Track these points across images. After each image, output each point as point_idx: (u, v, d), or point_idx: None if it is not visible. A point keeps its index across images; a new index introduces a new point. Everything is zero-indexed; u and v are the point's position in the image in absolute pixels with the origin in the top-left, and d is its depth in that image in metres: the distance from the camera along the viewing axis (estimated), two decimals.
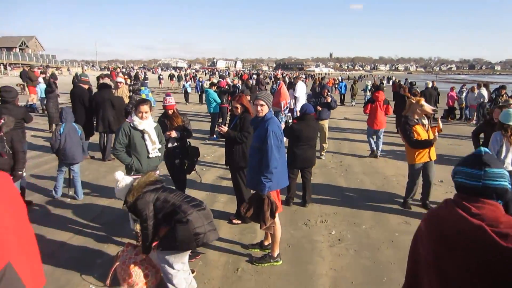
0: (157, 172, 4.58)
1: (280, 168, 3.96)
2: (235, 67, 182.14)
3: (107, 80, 11.15)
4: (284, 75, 45.09)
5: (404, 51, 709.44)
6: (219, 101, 11.16)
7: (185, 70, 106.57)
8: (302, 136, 5.80)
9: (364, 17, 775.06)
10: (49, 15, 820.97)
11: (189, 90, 21.04)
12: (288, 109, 11.24)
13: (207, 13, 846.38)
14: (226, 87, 13.09)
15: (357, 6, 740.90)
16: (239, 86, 14.32)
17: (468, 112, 16.70)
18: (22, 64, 58.00)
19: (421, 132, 5.90)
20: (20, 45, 72.58)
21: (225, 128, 5.08)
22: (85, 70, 73.01)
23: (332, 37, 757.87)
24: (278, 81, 12.37)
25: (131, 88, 9.46)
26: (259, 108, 3.97)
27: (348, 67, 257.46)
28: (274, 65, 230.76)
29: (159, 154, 4.68)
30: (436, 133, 6.06)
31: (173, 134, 5.10)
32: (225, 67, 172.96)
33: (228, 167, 5.45)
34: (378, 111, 9.21)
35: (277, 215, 4.04)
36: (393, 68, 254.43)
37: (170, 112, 5.35)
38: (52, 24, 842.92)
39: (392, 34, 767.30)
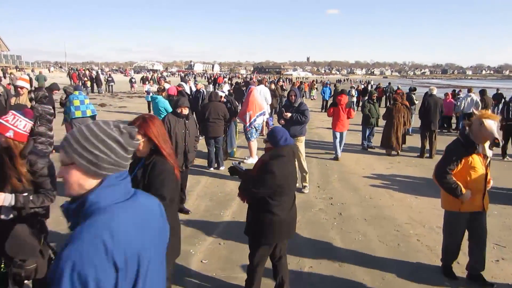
0: None
1: None
2: (212, 70, 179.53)
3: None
4: (259, 78, 40.96)
5: (379, 55, 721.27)
6: (170, 110, 8.53)
7: (161, 73, 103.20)
8: (285, 185, 3.18)
9: (340, 22, 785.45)
10: (24, 15, 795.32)
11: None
12: (257, 121, 8.73)
13: (185, 17, 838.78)
14: (186, 94, 10.48)
15: (333, 11, 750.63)
16: (203, 92, 11.73)
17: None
18: None
19: (478, 166, 3.74)
20: None
21: None
22: (52, 71, 69.19)
23: (309, 42, 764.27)
24: (249, 86, 9.72)
25: (32, 95, 6.71)
26: None
27: (325, 71, 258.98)
28: (252, 69, 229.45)
29: None
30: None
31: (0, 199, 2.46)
32: (203, 70, 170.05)
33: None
34: (341, 114, 9.33)
35: None
36: (369, 72, 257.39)
37: (5, 143, 2.61)
38: (27, 25, 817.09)
39: (368, 39, 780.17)
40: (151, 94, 10.89)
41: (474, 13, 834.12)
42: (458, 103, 14.55)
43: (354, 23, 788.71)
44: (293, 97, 6.85)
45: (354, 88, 21.79)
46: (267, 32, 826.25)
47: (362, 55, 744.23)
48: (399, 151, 10.29)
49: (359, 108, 19.97)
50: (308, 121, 6.87)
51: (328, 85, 22.99)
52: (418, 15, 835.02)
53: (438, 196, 6.89)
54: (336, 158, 9.40)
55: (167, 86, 10.67)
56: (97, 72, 33.60)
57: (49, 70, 71.46)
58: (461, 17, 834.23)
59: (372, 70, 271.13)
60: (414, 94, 14.05)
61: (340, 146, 9.53)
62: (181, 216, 5.43)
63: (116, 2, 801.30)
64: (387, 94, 25.14)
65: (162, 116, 8.25)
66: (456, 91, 17.12)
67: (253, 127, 8.65)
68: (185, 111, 5.28)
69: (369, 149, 10.89)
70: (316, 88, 35.56)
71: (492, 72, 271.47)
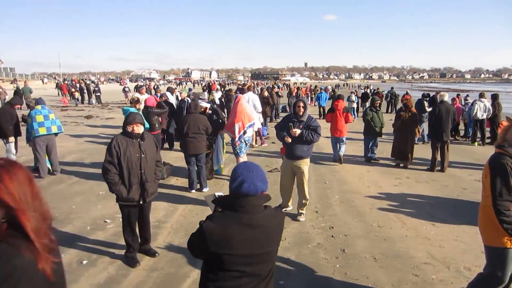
0: None
1: None
2: (210, 77, 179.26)
3: None
4: (254, 85, 37.44)
5: (377, 60, 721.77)
6: (147, 126, 7.50)
7: (157, 81, 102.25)
8: (228, 258, 1.90)
9: (337, 28, 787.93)
10: (22, 28, 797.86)
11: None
12: (247, 133, 7.69)
13: (182, 24, 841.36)
14: (168, 105, 9.39)
15: (330, 17, 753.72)
16: (187, 102, 10.68)
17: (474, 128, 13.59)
18: None
19: None
20: None
21: None
22: (46, 83, 68.36)
23: (307, 47, 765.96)
24: (236, 94, 8.65)
25: None
26: None
27: (323, 76, 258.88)
28: (250, 75, 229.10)
29: None
30: None
31: None
32: (200, 77, 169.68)
33: None
34: (338, 119, 9.34)
35: None
36: (367, 76, 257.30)
37: None
38: (23, 38, 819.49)
39: (365, 44, 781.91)
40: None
41: (472, 17, 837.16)
42: (467, 109, 13.56)
43: (351, 28, 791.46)
44: (301, 109, 5.63)
45: (353, 93, 20.70)
46: (265, 38, 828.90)
47: (360, 59, 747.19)
48: (408, 164, 9.25)
49: (360, 114, 18.99)
50: (318, 140, 5.81)
51: (324, 90, 21.75)
52: (415, 19, 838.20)
53: (458, 222, 5.90)
54: (335, 160, 9.56)
55: (143, 97, 9.58)
56: (86, 83, 32.41)
57: (42, 81, 70.68)
58: (459, 21, 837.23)
59: (370, 75, 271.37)
60: (426, 101, 12.87)
61: (340, 150, 9.53)
62: (145, 263, 4.35)
63: (112, 11, 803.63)
64: (389, 100, 24.14)
65: None
66: (464, 96, 16.07)
67: (242, 141, 7.60)
68: (138, 129, 4.19)
69: (372, 161, 9.84)
70: (315, 94, 34.62)
71: (491, 75, 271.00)
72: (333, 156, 9.76)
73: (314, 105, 30.49)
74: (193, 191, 7.05)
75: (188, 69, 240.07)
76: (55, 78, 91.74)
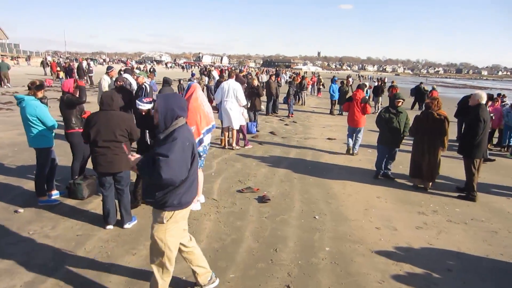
0: None
1: None
2: (221, 63, 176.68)
3: None
4: (257, 71, 31.53)
5: (392, 52, 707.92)
6: (52, 123, 5.05)
7: (165, 64, 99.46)
8: None
9: (353, 17, 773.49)
10: (33, 3, 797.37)
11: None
12: (204, 141, 5.19)
13: (196, 8, 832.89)
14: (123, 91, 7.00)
15: (346, 6, 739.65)
16: (146, 88, 8.19)
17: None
18: None
19: None
20: None
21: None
22: (57, 60, 66.53)
23: (320, 36, 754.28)
24: (190, 82, 5.93)
25: None
26: None
27: (336, 66, 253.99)
28: (261, 62, 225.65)
29: None
30: None
31: None
32: (211, 62, 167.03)
33: None
34: (355, 110, 8.97)
35: None
36: (381, 69, 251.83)
37: None
38: (36, 15, 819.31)
39: (381, 35, 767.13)
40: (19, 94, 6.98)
41: (491, 12, 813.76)
42: (505, 112, 10.87)
43: (367, 18, 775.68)
44: None
45: (365, 86, 17.88)
46: (279, 26, 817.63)
47: (374, 51, 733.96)
48: (429, 186, 6.76)
49: (370, 110, 16.30)
50: None
51: (334, 82, 18.73)
52: (433, 12, 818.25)
53: None
54: (351, 154, 9.24)
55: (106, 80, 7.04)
56: (79, 62, 30.16)
57: (45, 58, 68.72)
58: (478, 17, 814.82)
59: (384, 67, 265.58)
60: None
61: (355, 143, 9.27)
62: None
63: None
64: (417, 96, 21.19)
65: (34, 133, 4.77)
66: (499, 95, 13.29)
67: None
68: None
69: (380, 177, 7.37)
70: (323, 85, 31.77)
71: (508, 73, 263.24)
72: (346, 145, 9.45)
73: (317, 96, 27.83)
74: (110, 227, 4.62)
75: (199, 53, 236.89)
76: (60, 56, 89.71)
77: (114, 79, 9.15)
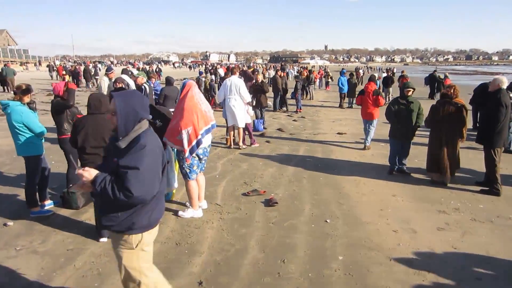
0: None
1: None
2: (228, 60, 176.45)
3: None
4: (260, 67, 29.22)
5: (400, 42, 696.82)
6: (40, 130, 4.71)
7: (173, 64, 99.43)
8: None
9: (359, 9, 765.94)
10: (42, 9, 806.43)
11: None
12: (203, 142, 4.81)
13: (202, 7, 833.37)
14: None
15: None
16: (145, 89, 7.83)
17: None
18: None
19: None
20: None
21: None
22: (64, 63, 67.12)
23: (327, 29, 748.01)
24: (184, 81, 5.49)
25: None
26: None
27: (343, 59, 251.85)
28: (269, 58, 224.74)
29: None
30: None
31: None
32: (219, 60, 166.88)
33: None
34: (368, 103, 8.81)
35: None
36: (389, 59, 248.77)
37: None
38: (45, 20, 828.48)
39: (388, 25, 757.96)
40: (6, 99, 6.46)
41: None
42: None
43: (373, 8, 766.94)
44: None
45: (375, 77, 17.27)
46: (285, 20, 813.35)
47: (381, 42, 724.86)
48: (448, 180, 6.29)
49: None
50: None
51: (343, 74, 18.06)
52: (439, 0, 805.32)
53: None
54: (364, 148, 9.06)
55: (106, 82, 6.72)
56: (85, 66, 30.08)
57: (54, 63, 69.35)
58: (486, 0, 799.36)
59: (393, 57, 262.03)
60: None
61: (368, 135, 9.06)
62: None
63: None
64: (432, 85, 20.62)
65: (22, 140, 4.44)
66: None
67: (196, 155, 4.74)
68: None
69: (394, 172, 6.93)
70: (331, 78, 31.16)
71: None
72: (364, 141, 9.25)
73: (324, 89, 27.33)
74: (103, 239, 4.28)
75: (206, 52, 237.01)
76: (69, 60, 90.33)
77: (113, 80, 8.84)
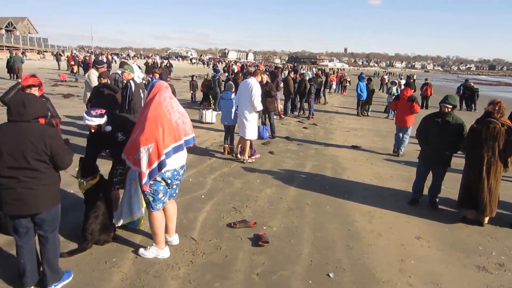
0: None
1: None
2: (246, 59, 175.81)
3: None
4: (273, 66, 26.45)
5: (421, 48, 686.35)
6: None
7: (190, 60, 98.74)
8: None
9: (381, 13, 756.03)
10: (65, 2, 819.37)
11: None
12: (170, 164, 3.67)
13: (223, 4, 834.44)
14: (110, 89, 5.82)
15: (375, 1, 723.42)
16: (131, 86, 6.75)
17: None
18: (6, 46, 55.14)
19: None
20: (6, 27, 68.44)
21: None
22: (74, 54, 67.33)
23: (347, 32, 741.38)
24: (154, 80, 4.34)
25: None
26: None
27: (362, 62, 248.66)
28: (287, 58, 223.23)
29: None
30: None
31: None
32: (237, 58, 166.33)
33: None
34: (402, 108, 8.68)
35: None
36: (410, 65, 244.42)
37: None
38: (66, 11, 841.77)
39: (409, 31, 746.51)
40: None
41: None
42: None
43: (395, 13, 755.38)
44: None
45: (395, 84, 15.94)
46: (305, 21, 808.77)
47: (402, 47, 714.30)
48: (486, 220, 5.07)
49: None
50: None
51: (362, 79, 16.51)
52: (465, 7, 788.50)
53: None
54: (397, 154, 8.91)
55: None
56: (96, 57, 29.38)
57: (71, 53, 69.58)
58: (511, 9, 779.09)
59: (413, 64, 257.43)
60: None
61: (402, 143, 8.90)
62: None
63: None
64: (465, 96, 19.25)
65: None
66: None
67: (160, 179, 3.61)
68: None
69: (415, 201, 5.68)
70: (349, 82, 29.73)
71: None
72: (395, 146, 9.14)
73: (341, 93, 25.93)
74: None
75: (225, 49, 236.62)
76: (87, 51, 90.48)
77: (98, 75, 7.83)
